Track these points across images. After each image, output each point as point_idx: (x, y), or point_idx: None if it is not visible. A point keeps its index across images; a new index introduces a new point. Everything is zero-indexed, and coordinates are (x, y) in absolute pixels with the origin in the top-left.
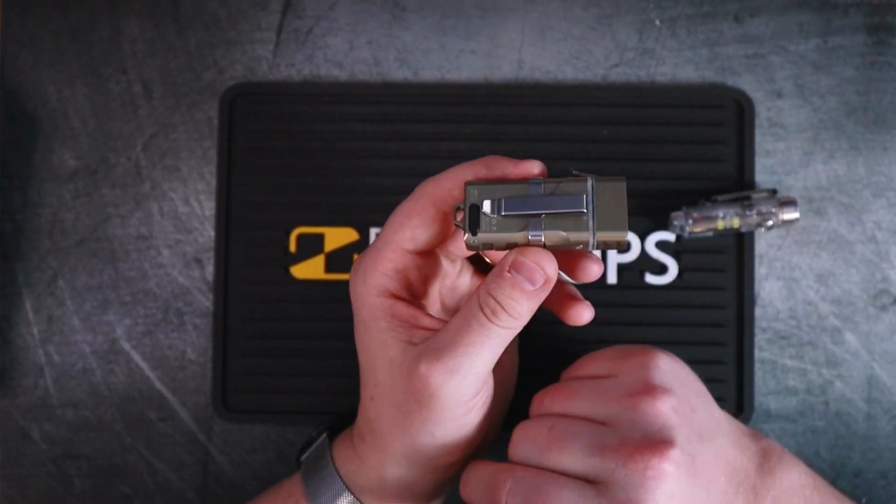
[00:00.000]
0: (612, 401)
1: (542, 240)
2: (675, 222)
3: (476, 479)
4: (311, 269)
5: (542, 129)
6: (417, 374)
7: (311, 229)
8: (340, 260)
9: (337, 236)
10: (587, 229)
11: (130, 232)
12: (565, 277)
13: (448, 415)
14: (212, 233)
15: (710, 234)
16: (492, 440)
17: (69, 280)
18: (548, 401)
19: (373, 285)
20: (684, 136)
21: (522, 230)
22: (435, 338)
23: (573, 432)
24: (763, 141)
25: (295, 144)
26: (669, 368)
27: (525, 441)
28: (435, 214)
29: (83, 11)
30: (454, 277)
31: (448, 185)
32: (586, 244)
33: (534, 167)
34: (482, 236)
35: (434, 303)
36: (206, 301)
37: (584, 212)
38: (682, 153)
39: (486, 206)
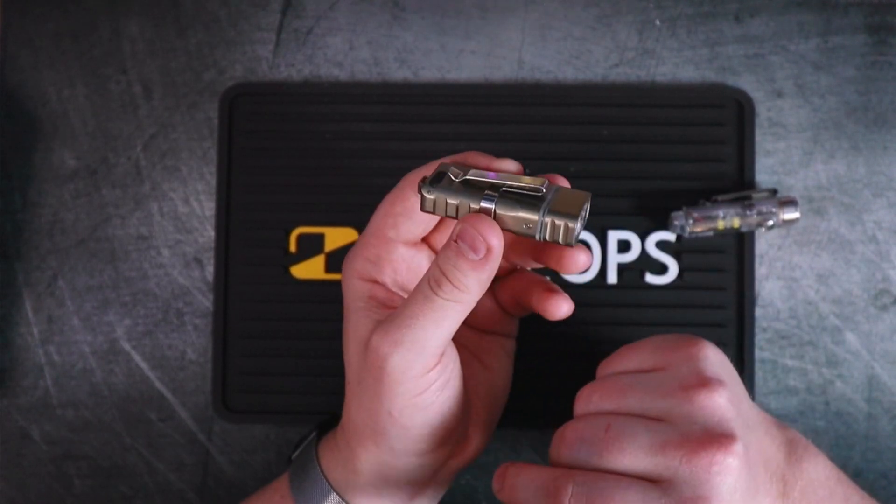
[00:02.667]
0: (667, 395)
1: (493, 208)
2: (676, 222)
3: (529, 485)
4: (311, 269)
5: (542, 129)
6: (370, 347)
7: (311, 229)
8: (340, 260)
9: (337, 236)
10: (538, 210)
11: (130, 232)
12: (535, 265)
13: (399, 389)
14: (212, 233)
15: (711, 234)
16: (483, 443)
17: (69, 280)
18: (597, 398)
19: (356, 269)
20: (684, 136)
21: (475, 197)
22: (392, 313)
23: (631, 431)
24: (763, 141)
25: (295, 144)
26: (718, 360)
27: (581, 443)
28: (416, 202)
29: (83, 11)
30: None
31: (429, 173)
32: (534, 225)
33: (510, 165)
34: (437, 195)
35: None
36: (206, 301)
37: (541, 193)
38: (682, 153)
39: (453, 173)
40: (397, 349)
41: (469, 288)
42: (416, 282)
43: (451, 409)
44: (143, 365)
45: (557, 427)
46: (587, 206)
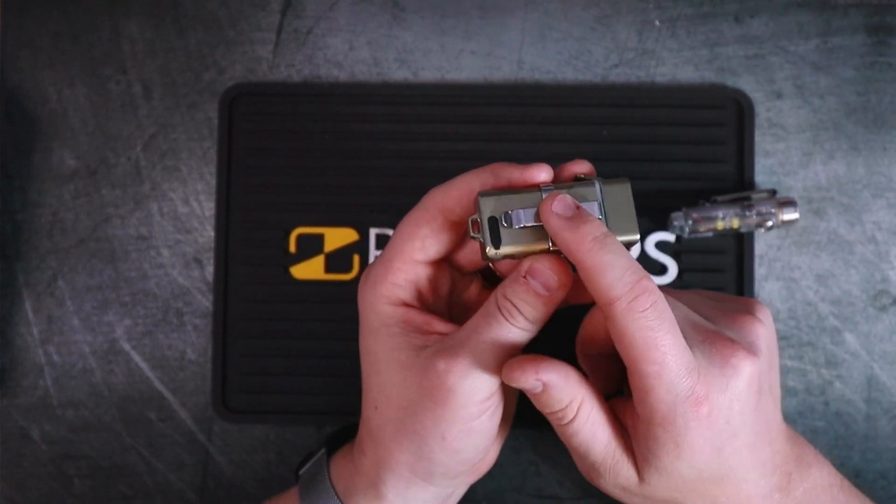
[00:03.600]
0: (715, 308)
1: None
2: (675, 223)
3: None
4: (310, 270)
5: (542, 129)
6: (434, 372)
7: (311, 229)
8: (340, 260)
9: (337, 236)
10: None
11: (130, 232)
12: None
13: (461, 414)
14: (212, 233)
15: (710, 234)
16: (496, 456)
17: (69, 280)
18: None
19: (384, 294)
20: (684, 137)
21: (540, 241)
22: (450, 337)
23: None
24: (763, 141)
25: (295, 144)
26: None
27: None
28: (443, 224)
29: (83, 12)
30: (462, 290)
31: (456, 193)
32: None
33: (539, 172)
34: (504, 249)
35: (443, 314)
36: (206, 301)
37: (599, 219)
38: (682, 153)
39: (503, 218)
40: (469, 373)
41: (537, 319)
42: (439, 300)
43: (494, 432)
44: (143, 365)
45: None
46: (632, 199)
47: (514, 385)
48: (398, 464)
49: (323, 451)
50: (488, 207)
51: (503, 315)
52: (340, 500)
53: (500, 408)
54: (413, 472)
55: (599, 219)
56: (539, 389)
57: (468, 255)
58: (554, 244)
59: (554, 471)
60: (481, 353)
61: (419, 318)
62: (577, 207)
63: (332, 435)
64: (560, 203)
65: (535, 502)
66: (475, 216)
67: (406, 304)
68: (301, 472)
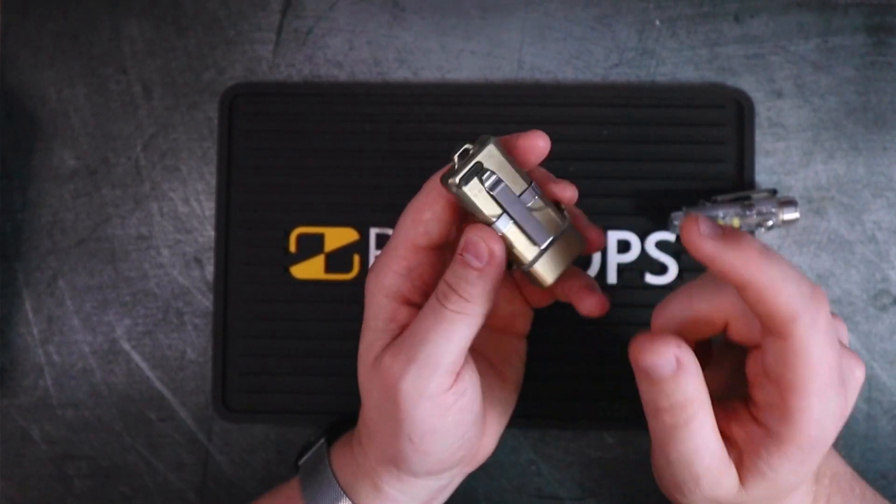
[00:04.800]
0: None
1: (502, 233)
2: (675, 222)
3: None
4: (311, 269)
5: (542, 129)
6: (382, 366)
7: (311, 229)
8: (340, 260)
9: (337, 236)
10: (530, 258)
11: (130, 232)
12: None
13: (417, 413)
14: (212, 233)
15: None
16: (492, 449)
17: (69, 280)
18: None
19: (385, 285)
20: (684, 136)
21: (492, 214)
22: (405, 331)
23: None
24: (763, 141)
25: (295, 144)
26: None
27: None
28: (445, 205)
29: (83, 11)
30: None
31: None
32: (520, 264)
33: (537, 139)
34: (464, 190)
35: None
36: (206, 301)
37: (539, 247)
38: (682, 153)
39: (486, 177)
40: (409, 367)
41: (475, 297)
42: None
43: (470, 431)
44: (143, 365)
45: (557, 427)
46: (575, 257)
47: (644, 364)
48: (385, 458)
49: (322, 440)
50: (484, 154)
51: (438, 300)
52: (343, 490)
53: (469, 408)
54: (399, 468)
55: (539, 247)
56: (672, 369)
57: None
58: (498, 217)
59: (554, 471)
60: (422, 343)
61: (406, 314)
62: (716, 223)
63: (332, 425)
64: (706, 225)
65: (535, 502)
66: (468, 145)
67: (404, 299)
68: (300, 462)
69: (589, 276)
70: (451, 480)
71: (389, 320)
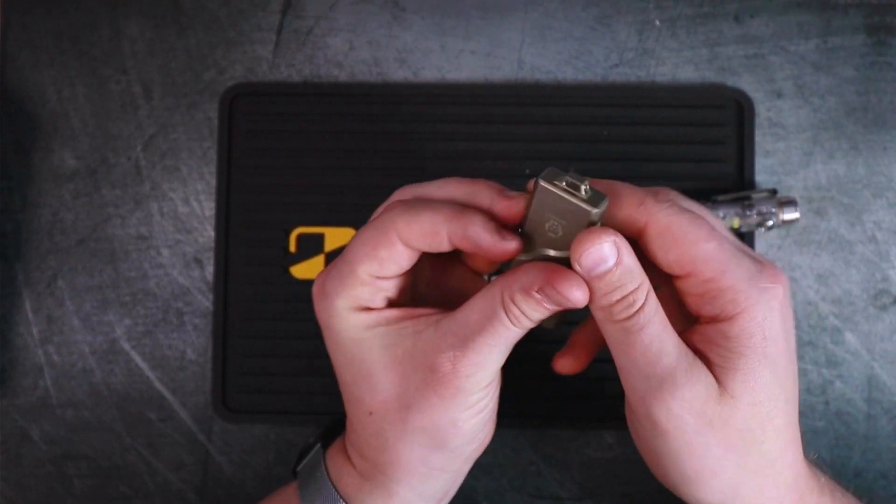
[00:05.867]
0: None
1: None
2: None
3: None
4: (311, 269)
5: (542, 129)
6: (441, 371)
7: (311, 229)
8: None
9: (337, 236)
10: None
11: (130, 232)
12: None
13: (468, 402)
14: (212, 233)
15: None
16: (492, 432)
17: (69, 280)
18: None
19: (348, 308)
20: (684, 136)
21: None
22: (449, 329)
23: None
24: (763, 141)
25: (295, 144)
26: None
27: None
28: (402, 250)
29: (83, 11)
30: (441, 272)
31: (418, 229)
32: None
33: (509, 244)
34: (550, 185)
35: (423, 299)
36: (206, 301)
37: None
38: (682, 153)
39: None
40: (477, 371)
41: (539, 319)
42: (416, 289)
43: (496, 404)
44: (143, 365)
45: (558, 427)
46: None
47: (587, 256)
48: (411, 462)
49: (318, 446)
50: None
51: (510, 320)
52: (342, 498)
53: (497, 391)
54: (427, 465)
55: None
56: (613, 260)
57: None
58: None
59: (554, 471)
60: (490, 350)
61: (397, 312)
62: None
63: (327, 429)
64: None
65: (535, 502)
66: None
67: (367, 308)
68: (298, 469)
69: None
70: (462, 469)
71: (387, 321)
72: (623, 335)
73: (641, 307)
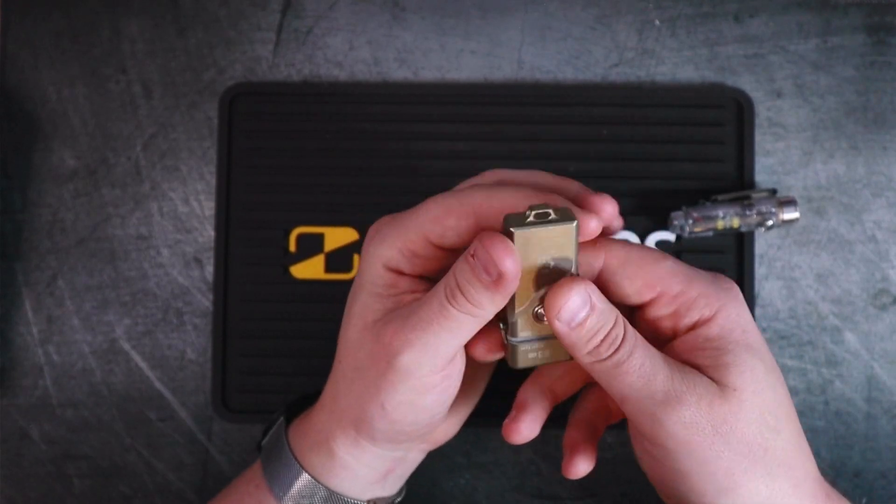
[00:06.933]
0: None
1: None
2: (675, 222)
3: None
4: (310, 269)
5: (542, 129)
6: (383, 339)
7: (311, 229)
8: (340, 260)
9: (337, 236)
10: (524, 334)
11: (130, 232)
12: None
13: (401, 387)
14: (212, 233)
15: (710, 234)
16: (455, 431)
17: (69, 280)
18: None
19: (386, 257)
20: (684, 136)
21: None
22: (408, 307)
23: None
24: (763, 141)
25: (295, 144)
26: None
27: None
28: (471, 226)
29: (83, 11)
30: None
31: (499, 206)
32: (508, 332)
33: (605, 205)
34: (524, 243)
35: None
36: (205, 301)
37: (541, 324)
38: (682, 153)
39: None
40: (409, 349)
41: (483, 305)
42: (440, 271)
43: (441, 411)
44: (143, 365)
45: (556, 427)
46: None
47: (564, 313)
48: (347, 419)
49: (281, 419)
50: (563, 231)
51: (445, 296)
52: (296, 459)
53: (448, 390)
54: (357, 430)
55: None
56: (588, 307)
57: None
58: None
59: (554, 471)
60: (423, 330)
61: (407, 284)
62: (499, 277)
63: (291, 403)
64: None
65: (535, 502)
66: (550, 211)
67: (398, 271)
68: (263, 443)
69: (591, 428)
70: (407, 455)
71: (389, 286)
72: (615, 369)
73: (623, 338)
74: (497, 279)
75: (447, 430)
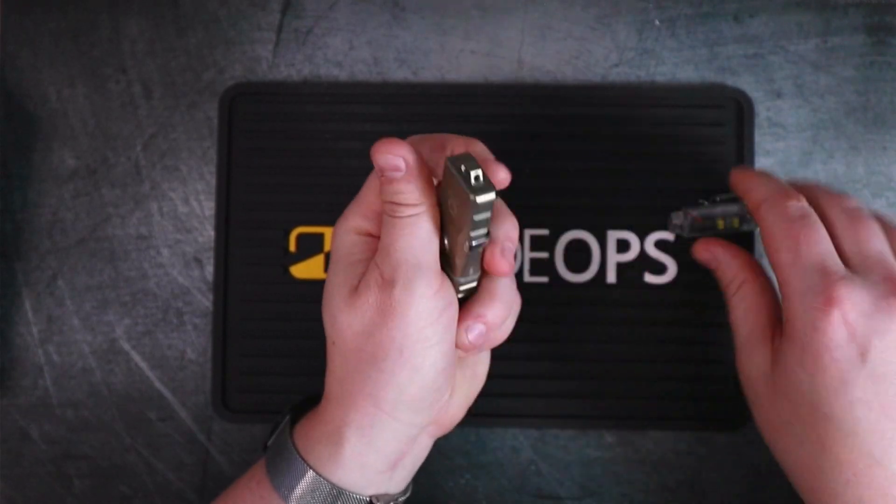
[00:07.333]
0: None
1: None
2: (675, 222)
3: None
4: (311, 269)
5: (542, 129)
6: (370, 288)
7: (311, 229)
8: None
9: None
10: (462, 281)
11: (130, 232)
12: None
13: (411, 314)
14: (212, 233)
15: (711, 233)
16: (460, 417)
17: (69, 280)
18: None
19: (352, 226)
20: (684, 136)
21: (478, 232)
22: (380, 246)
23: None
24: (763, 141)
25: (295, 144)
26: None
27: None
28: (417, 160)
29: (83, 11)
30: None
31: (431, 144)
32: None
33: (499, 171)
34: (453, 167)
35: None
36: (205, 301)
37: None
38: (682, 153)
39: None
40: (396, 275)
41: (416, 199)
42: None
43: (450, 352)
44: (143, 365)
45: (557, 427)
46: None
47: (700, 262)
48: (362, 396)
49: (287, 418)
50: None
51: (391, 216)
52: (301, 456)
53: (451, 321)
54: (377, 404)
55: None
56: (714, 266)
57: None
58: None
59: (554, 471)
60: (401, 251)
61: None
62: (407, 166)
63: (296, 404)
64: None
65: (535, 502)
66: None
67: (370, 235)
68: (269, 442)
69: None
70: (419, 437)
71: (364, 251)
72: (727, 299)
73: (733, 294)
74: (407, 168)
75: (454, 414)
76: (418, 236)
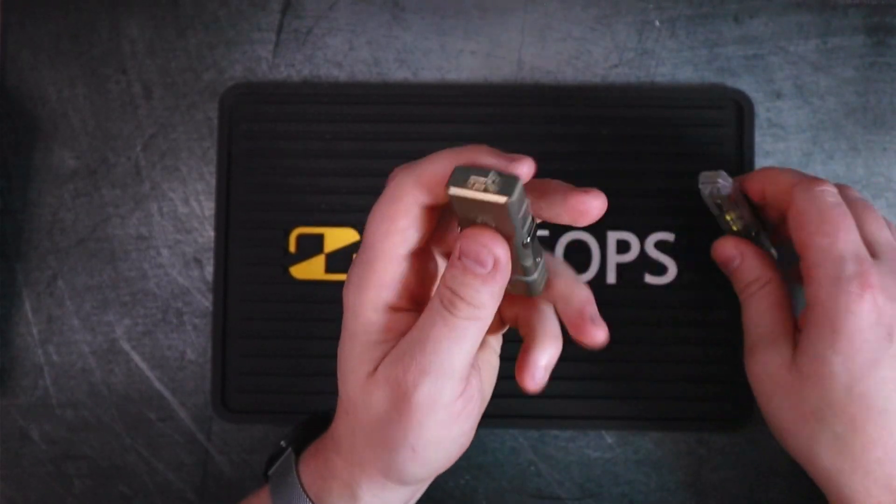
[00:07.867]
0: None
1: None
2: (722, 182)
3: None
4: (310, 270)
5: (542, 129)
6: (394, 380)
7: (311, 229)
8: (340, 260)
9: (337, 236)
10: (533, 270)
11: (130, 232)
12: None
13: (428, 422)
14: (211, 233)
15: (719, 217)
16: (464, 449)
17: (69, 280)
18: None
19: (370, 300)
20: (684, 137)
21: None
22: (406, 341)
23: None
24: (763, 141)
25: (295, 144)
26: None
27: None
28: (420, 213)
29: (83, 11)
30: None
31: (433, 175)
32: (520, 275)
33: (524, 167)
34: (460, 190)
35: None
36: (205, 301)
37: (539, 259)
38: (682, 153)
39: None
40: (425, 378)
41: (484, 303)
42: (430, 291)
43: (469, 436)
44: (143, 365)
45: (556, 428)
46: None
47: (720, 257)
48: (372, 469)
49: (290, 451)
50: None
51: (445, 308)
52: (312, 501)
53: (473, 411)
54: (386, 477)
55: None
56: (738, 263)
57: (454, 232)
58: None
59: (554, 471)
60: (436, 353)
61: (403, 322)
62: (495, 264)
63: (298, 433)
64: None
65: (535, 502)
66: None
67: (393, 308)
68: (269, 473)
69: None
70: (425, 483)
71: (386, 331)
72: (743, 299)
73: (752, 294)
74: (494, 267)
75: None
76: (465, 342)
